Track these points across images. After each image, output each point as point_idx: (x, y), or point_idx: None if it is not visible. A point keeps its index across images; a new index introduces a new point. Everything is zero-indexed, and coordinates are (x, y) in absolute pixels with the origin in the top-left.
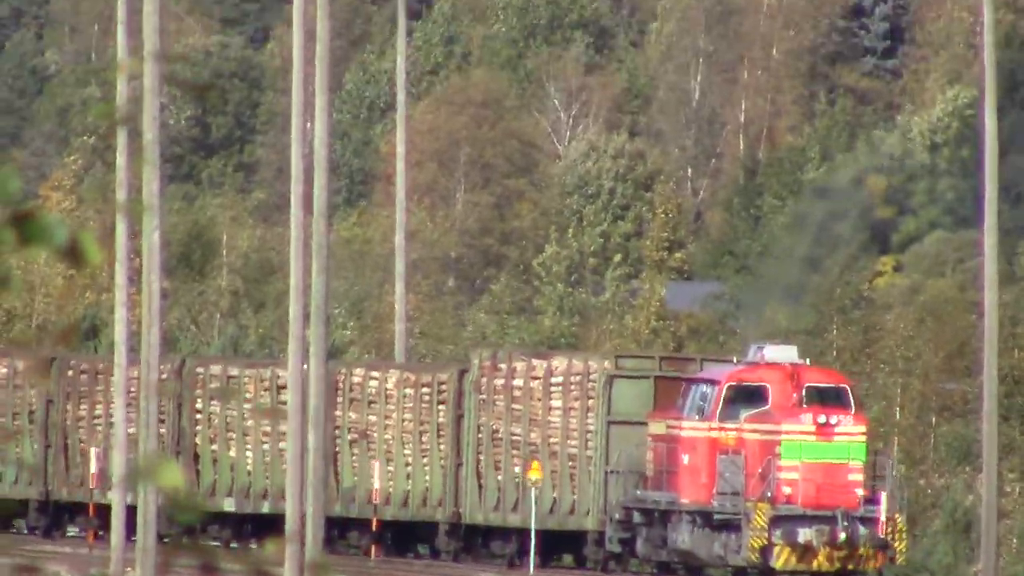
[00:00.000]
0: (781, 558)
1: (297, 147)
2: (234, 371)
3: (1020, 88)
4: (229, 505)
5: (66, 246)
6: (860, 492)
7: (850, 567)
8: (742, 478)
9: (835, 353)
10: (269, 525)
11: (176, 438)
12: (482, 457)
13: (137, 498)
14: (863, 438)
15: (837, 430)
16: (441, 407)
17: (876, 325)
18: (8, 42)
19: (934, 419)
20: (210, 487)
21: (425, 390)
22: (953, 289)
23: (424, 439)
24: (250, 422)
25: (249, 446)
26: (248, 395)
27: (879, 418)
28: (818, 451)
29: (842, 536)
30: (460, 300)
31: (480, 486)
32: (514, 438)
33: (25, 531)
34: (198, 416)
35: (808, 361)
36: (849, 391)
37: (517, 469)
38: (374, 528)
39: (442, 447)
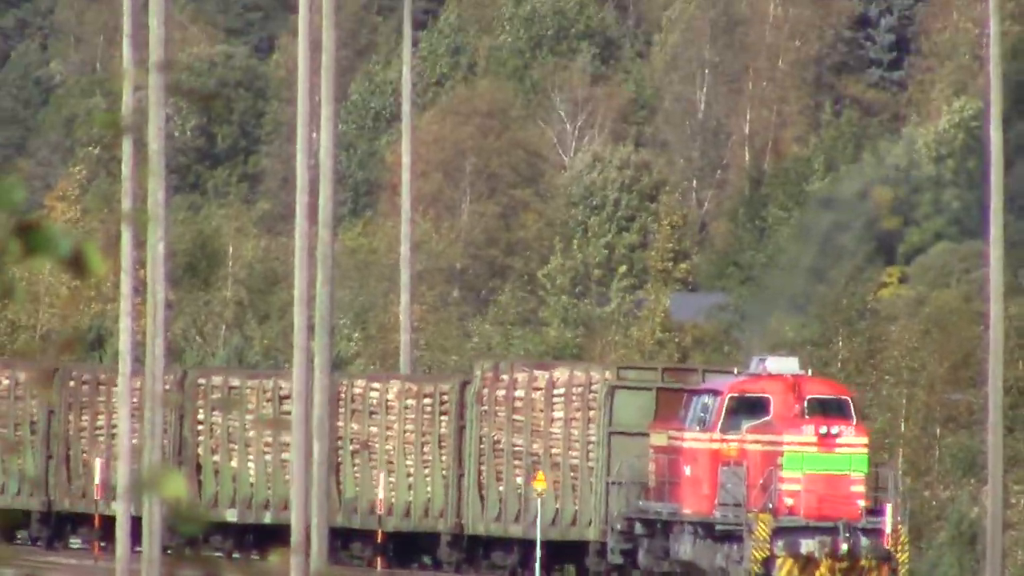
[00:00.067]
0: (783, 569)
1: (302, 157)
2: (236, 382)
3: None
4: (231, 516)
5: (70, 256)
6: (862, 503)
7: None
8: (744, 489)
9: (840, 364)
10: (271, 536)
11: (178, 448)
12: (484, 468)
13: (141, 509)
14: (865, 449)
15: (839, 441)
16: (443, 418)
17: (881, 336)
18: (13, 52)
19: (939, 430)
20: (212, 498)
21: (427, 401)
22: (958, 300)
23: (426, 450)
24: (252, 433)
25: (251, 457)
26: (250, 406)
27: (884, 429)
28: (820, 462)
29: (844, 547)
30: (465, 311)
31: (482, 497)
32: (516, 449)
33: (28, 542)
34: (200, 427)
35: (810, 372)
36: (851, 402)
37: (519, 480)
38: (379, 540)
39: (444, 458)
